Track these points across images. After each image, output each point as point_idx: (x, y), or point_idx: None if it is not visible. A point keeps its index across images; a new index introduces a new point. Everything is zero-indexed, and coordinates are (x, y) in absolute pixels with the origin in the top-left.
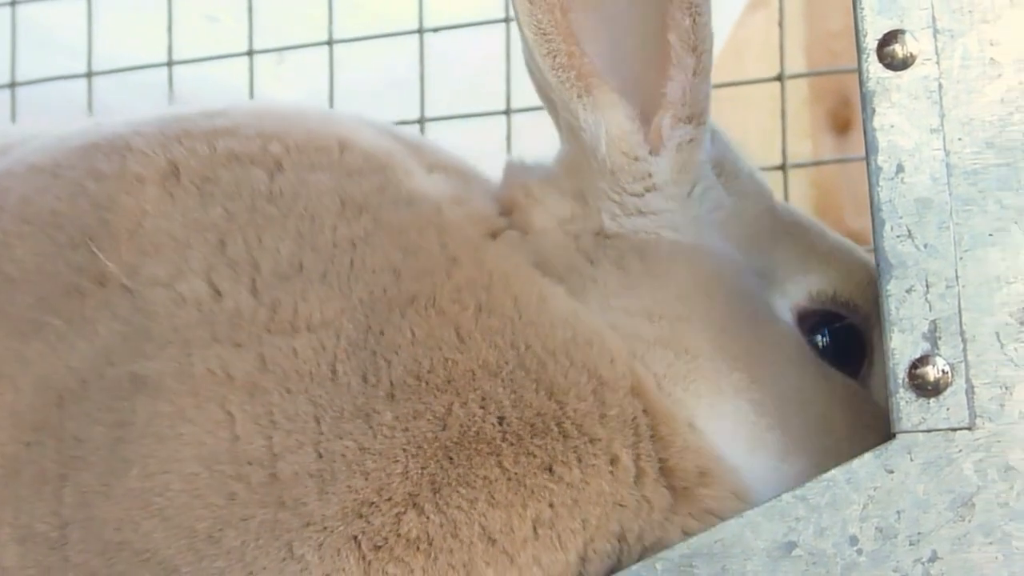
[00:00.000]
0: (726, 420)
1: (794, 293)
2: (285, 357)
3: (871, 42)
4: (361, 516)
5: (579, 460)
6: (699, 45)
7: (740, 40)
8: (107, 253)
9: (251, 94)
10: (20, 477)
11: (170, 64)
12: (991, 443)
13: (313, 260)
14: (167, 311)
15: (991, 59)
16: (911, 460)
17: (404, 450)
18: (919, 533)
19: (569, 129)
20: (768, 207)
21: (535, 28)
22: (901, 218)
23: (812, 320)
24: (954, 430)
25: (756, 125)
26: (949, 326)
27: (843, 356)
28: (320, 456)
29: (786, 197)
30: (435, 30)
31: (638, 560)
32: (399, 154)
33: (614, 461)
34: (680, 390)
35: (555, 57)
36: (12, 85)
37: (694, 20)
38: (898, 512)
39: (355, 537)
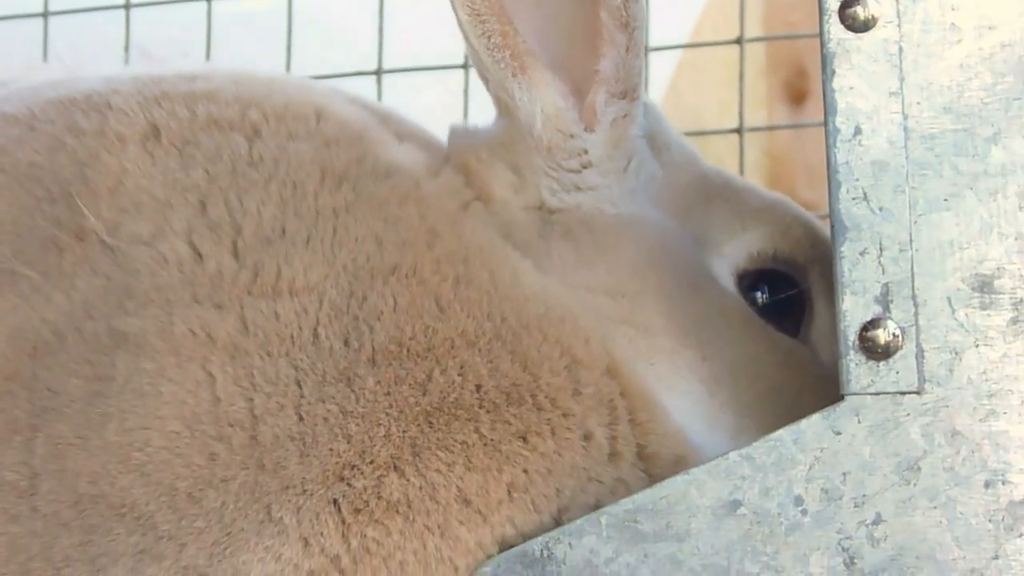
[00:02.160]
0: (685, 399)
1: (733, 255)
2: (267, 320)
3: (833, 3)
4: (343, 479)
5: (552, 432)
6: (631, 22)
7: (698, 12)
8: (87, 209)
9: (208, 45)
10: None
11: (127, 7)
12: (939, 408)
13: (296, 225)
14: (149, 269)
15: (952, 24)
16: (859, 422)
17: (387, 414)
18: (864, 495)
19: (504, 107)
20: (699, 174)
21: (469, 9)
22: (857, 180)
23: (751, 279)
24: (903, 394)
25: (713, 96)
26: (901, 290)
27: (784, 314)
28: (301, 419)
29: (741, 162)
30: None
31: None
32: (372, 125)
33: (587, 437)
34: (644, 370)
35: (489, 37)
36: None
37: None
38: (844, 474)
39: (335, 500)
